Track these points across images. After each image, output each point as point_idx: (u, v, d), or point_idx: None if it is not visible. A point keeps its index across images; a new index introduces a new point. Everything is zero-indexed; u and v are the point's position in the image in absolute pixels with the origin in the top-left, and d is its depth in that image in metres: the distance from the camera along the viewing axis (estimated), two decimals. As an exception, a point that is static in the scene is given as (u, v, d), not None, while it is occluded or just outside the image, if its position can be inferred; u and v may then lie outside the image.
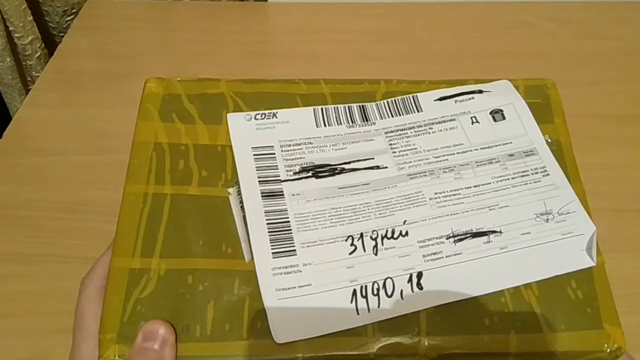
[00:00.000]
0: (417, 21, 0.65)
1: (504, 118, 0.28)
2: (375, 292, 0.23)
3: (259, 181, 0.26)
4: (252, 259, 0.24)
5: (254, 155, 0.27)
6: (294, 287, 0.23)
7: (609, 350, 0.23)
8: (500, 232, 0.25)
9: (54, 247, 0.41)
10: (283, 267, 0.24)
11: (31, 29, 0.61)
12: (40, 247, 0.41)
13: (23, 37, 0.60)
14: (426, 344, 0.23)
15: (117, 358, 0.23)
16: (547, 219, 0.25)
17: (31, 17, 0.60)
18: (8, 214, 0.43)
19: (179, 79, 0.29)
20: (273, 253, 0.24)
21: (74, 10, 0.66)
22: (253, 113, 0.28)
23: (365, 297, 0.23)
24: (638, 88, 0.56)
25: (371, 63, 0.59)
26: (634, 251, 0.42)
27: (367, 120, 0.28)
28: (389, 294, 0.23)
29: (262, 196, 0.26)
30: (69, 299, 0.38)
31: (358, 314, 0.23)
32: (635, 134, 0.51)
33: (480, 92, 0.29)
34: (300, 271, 0.24)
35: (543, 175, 0.27)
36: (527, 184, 0.26)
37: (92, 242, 0.41)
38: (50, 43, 0.65)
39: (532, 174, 0.27)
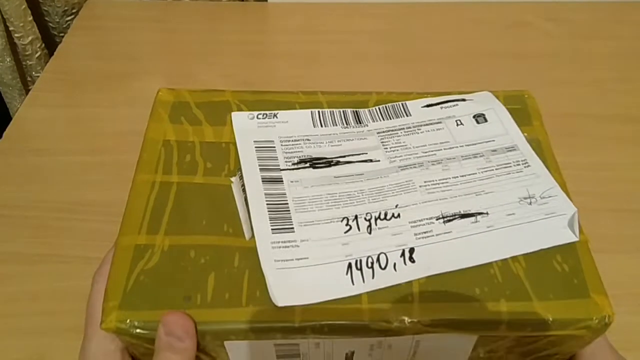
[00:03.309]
0: (417, 21, 0.65)
1: (486, 121, 0.31)
2: (369, 265, 0.25)
3: (260, 169, 0.29)
4: (253, 236, 0.26)
5: (256, 147, 0.30)
6: (292, 260, 0.25)
7: (596, 318, 0.24)
8: (487, 213, 0.27)
9: (54, 247, 0.41)
10: (282, 242, 0.26)
11: (31, 29, 0.61)
12: (40, 247, 0.41)
13: (23, 37, 0.60)
14: (419, 310, 0.24)
15: (118, 323, 0.24)
16: (531, 202, 0.27)
17: (31, 17, 0.60)
18: (7, 213, 0.44)
19: (187, 89, 0.32)
20: (272, 229, 0.26)
21: (74, 10, 0.66)
22: (255, 113, 0.31)
23: (360, 269, 0.25)
24: (637, 88, 0.56)
25: (371, 63, 0.59)
26: (634, 252, 0.42)
27: (360, 123, 0.31)
28: (383, 266, 0.25)
29: (262, 181, 0.28)
30: (69, 299, 0.38)
31: (353, 284, 0.25)
32: (634, 134, 0.51)
33: (464, 100, 0.32)
34: (298, 246, 0.26)
35: (524, 167, 0.29)
36: (510, 173, 0.29)
37: (92, 242, 0.41)
38: (50, 43, 0.65)
39: (514, 165, 0.29)
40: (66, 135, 0.51)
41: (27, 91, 0.61)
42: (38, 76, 0.59)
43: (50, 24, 0.67)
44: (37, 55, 0.63)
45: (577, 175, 0.46)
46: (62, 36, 0.63)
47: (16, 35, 0.60)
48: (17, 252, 0.41)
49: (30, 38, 0.61)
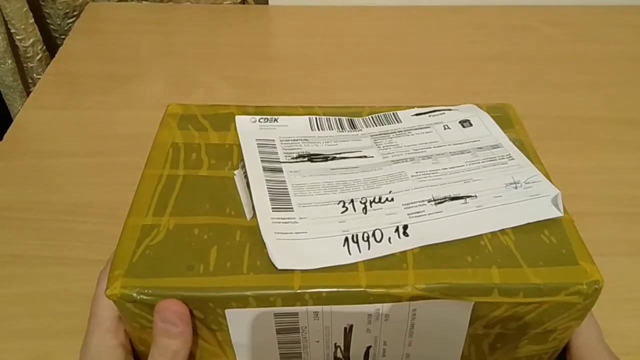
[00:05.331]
0: (418, 25, 0.66)
1: (471, 125, 0.35)
2: (365, 238, 0.27)
3: (261, 160, 0.32)
4: (254, 216, 0.28)
5: (258, 144, 0.33)
6: (291, 233, 0.28)
7: (586, 283, 0.26)
8: (476, 196, 0.30)
9: (55, 249, 0.42)
10: (281, 218, 0.28)
11: (32, 31, 0.61)
12: (41, 249, 0.42)
13: (24, 39, 0.61)
14: (414, 276, 0.26)
15: (122, 289, 0.25)
16: (516, 187, 0.30)
17: (32, 20, 0.61)
18: (8, 215, 0.44)
19: (195, 104, 0.36)
20: (272, 208, 0.29)
21: (75, 13, 0.66)
22: (257, 117, 0.35)
23: (356, 242, 0.27)
24: (638, 92, 0.56)
25: (372, 66, 0.60)
26: (635, 255, 0.42)
27: (354, 128, 0.35)
28: (378, 239, 0.27)
29: (263, 170, 0.31)
30: (69, 301, 0.38)
31: (350, 254, 0.27)
32: (635, 138, 0.51)
33: (450, 110, 0.36)
34: (297, 222, 0.28)
35: (509, 160, 0.32)
36: (495, 165, 0.32)
37: (93, 244, 0.41)
38: (51, 45, 0.66)
39: (499, 159, 0.32)
40: (67, 137, 0.51)
41: (28, 93, 0.62)
42: (39, 78, 0.60)
43: (52, 27, 0.67)
44: (38, 58, 0.63)
45: (577, 179, 0.47)
46: (63, 38, 0.64)
47: (17, 37, 0.60)
48: (17, 254, 0.42)
49: (31, 40, 0.61)
